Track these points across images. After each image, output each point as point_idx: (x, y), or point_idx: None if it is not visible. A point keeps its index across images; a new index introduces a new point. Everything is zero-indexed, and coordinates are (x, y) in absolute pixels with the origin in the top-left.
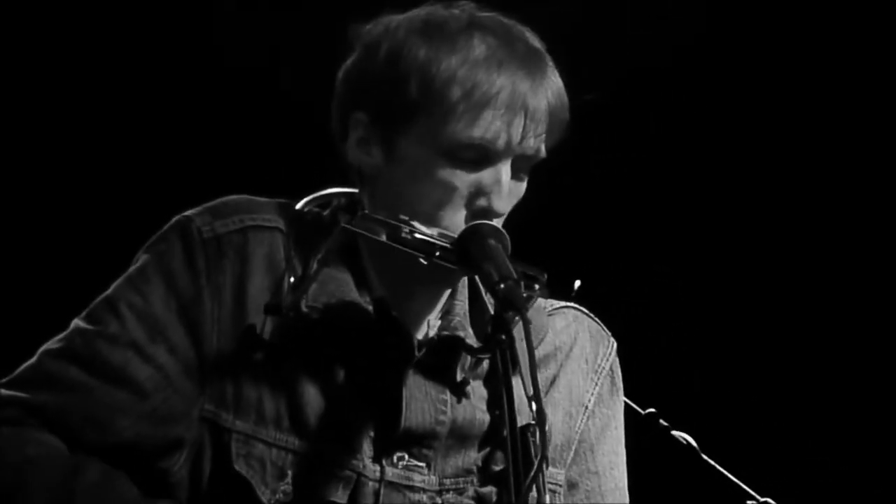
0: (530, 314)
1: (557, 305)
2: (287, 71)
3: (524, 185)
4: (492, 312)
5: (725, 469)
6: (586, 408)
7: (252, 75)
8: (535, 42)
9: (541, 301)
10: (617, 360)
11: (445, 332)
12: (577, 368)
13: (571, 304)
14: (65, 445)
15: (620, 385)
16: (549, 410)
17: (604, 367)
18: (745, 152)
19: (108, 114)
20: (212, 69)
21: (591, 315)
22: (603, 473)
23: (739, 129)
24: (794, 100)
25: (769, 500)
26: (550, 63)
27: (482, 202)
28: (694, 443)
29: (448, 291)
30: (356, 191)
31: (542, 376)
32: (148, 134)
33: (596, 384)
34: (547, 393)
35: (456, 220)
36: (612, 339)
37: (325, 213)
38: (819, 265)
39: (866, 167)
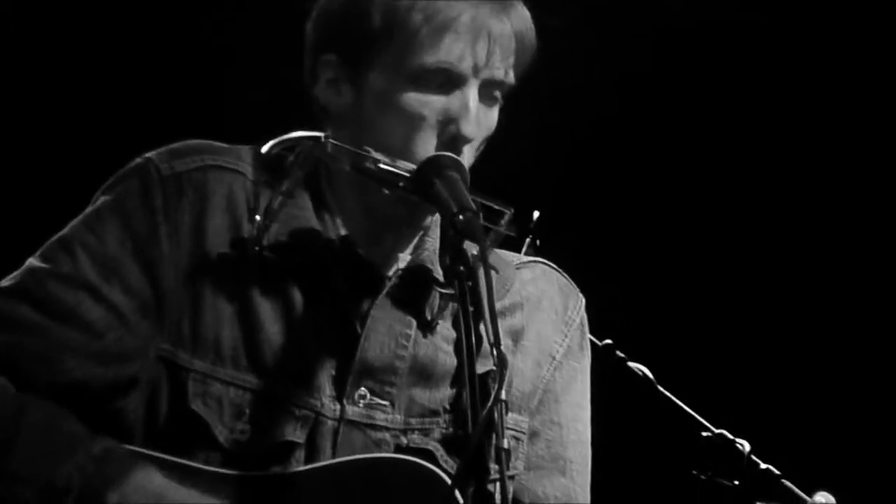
0: (499, 266)
1: (525, 260)
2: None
3: (496, 112)
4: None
5: (681, 401)
6: (554, 358)
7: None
8: None
9: (509, 255)
10: (585, 315)
11: (414, 262)
12: (546, 319)
13: (540, 259)
14: (13, 387)
15: (588, 341)
16: (518, 358)
17: (574, 320)
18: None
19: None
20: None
21: (560, 270)
22: (566, 425)
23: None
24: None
25: (724, 431)
26: None
27: (452, 128)
28: (650, 374)
29: (420, 228)
30: (322, 134)
31: (509, 324)
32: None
33: (566, 336)
34: (517, 341)
35: (427, 149)
36: (581, 295)
37: (289, 158)
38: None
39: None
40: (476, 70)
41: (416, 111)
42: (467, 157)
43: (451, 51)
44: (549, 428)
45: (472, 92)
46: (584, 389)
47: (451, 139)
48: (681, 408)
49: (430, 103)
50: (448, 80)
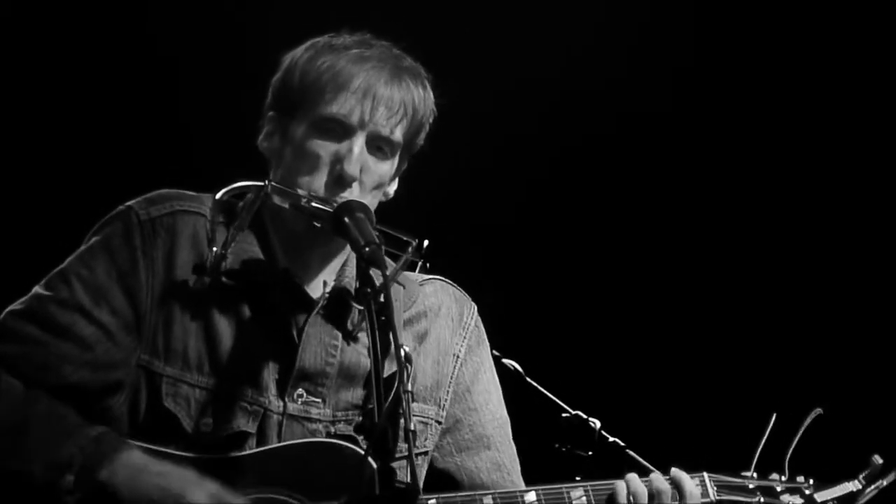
0: (405, 283)
1: (426, 277)
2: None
3: (386, 165)
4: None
5: (545, 389)
6: (457, 357)
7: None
8: (409, 61)
9: (414, 274)
10: (479, 318)
11: (337, 287)
12: (444, 325)
13: (438, 276)
14: (22, 387)
15: (485, 337)
16: (420, 358)
17: (469, 324)
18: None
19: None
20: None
21: (455, 284)
22: (480, 408)
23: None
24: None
25: (580, 412)
26: (419, 77)
27: (338, 168)
28: (520, 368)
29: (341, 258)
30: (262, 183)
31: (415, 329)
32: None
33: (464, 338)
34: (421, 343)
35: (319, 183)
36: (473, 303)
37: (240, 203)
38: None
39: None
40: (362, 123)
41: (314, 152)
42: (356, 193)
43: (344, 105)
44: (468, 414)
45: (358, 140)
46: (489, 377)
47: (338, 177)
48: (545, 394)
49: (325, 146)
50: (341, 130)
